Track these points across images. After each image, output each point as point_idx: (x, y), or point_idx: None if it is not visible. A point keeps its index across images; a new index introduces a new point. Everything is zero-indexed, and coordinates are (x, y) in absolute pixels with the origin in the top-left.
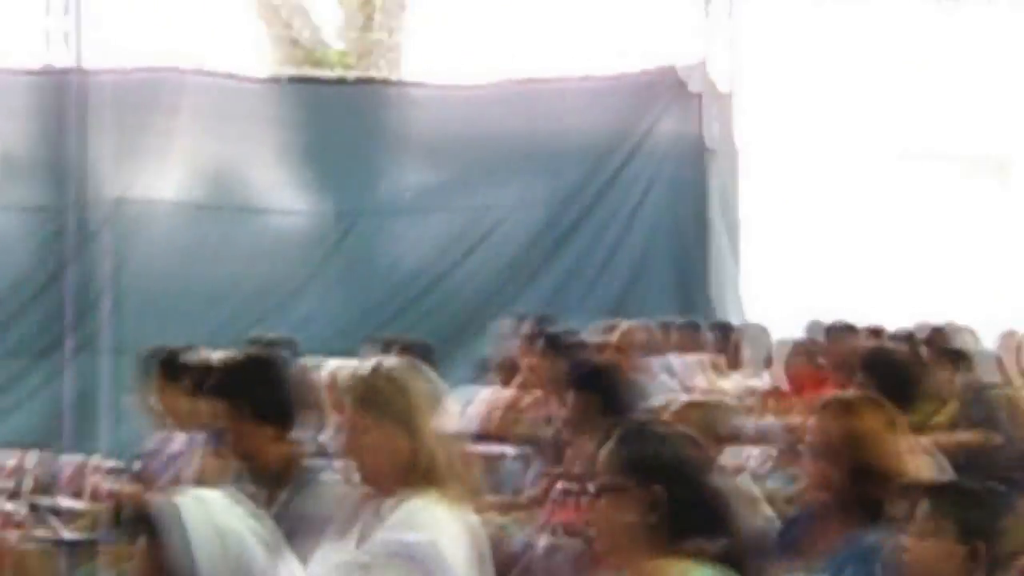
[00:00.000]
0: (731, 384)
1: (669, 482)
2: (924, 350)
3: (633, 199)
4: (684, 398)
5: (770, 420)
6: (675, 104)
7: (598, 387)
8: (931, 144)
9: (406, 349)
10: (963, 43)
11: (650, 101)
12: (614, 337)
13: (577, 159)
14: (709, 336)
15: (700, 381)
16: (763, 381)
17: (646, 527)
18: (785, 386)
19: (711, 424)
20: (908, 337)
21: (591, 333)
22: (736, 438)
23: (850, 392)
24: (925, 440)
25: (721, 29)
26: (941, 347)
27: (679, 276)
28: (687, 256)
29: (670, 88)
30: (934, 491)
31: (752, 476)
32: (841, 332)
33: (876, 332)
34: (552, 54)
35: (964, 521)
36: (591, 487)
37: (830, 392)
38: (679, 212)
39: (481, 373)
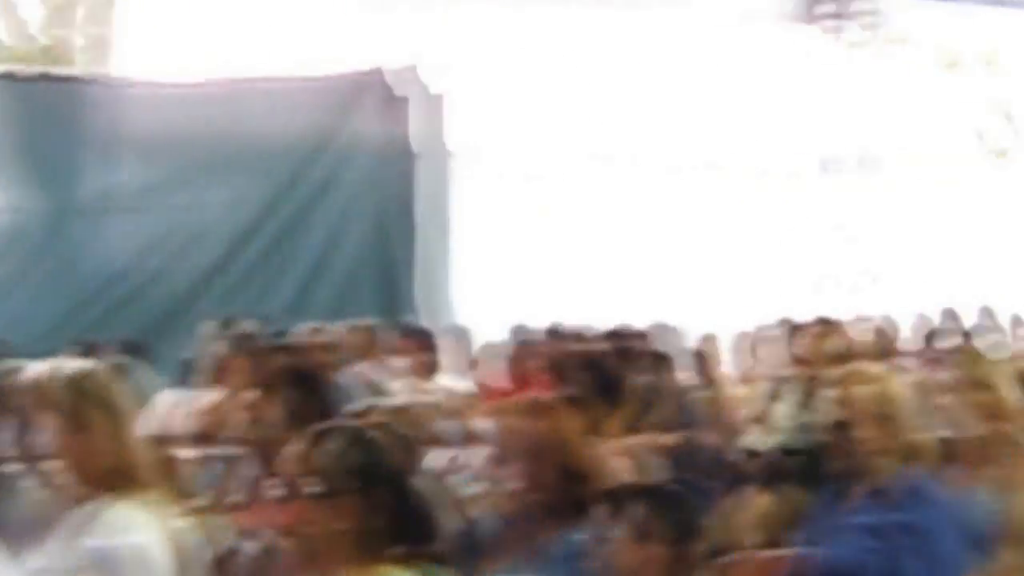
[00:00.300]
0: (436, 387)
1: (382, 487)
2: (629, 352)
3: (340, 201)
4: (390, 401)
5: (476, 422)
6: (382, 107)
7: (305, 389)
8: (641, 147)
9: (116, 349)
10: (672, 48)
11: (357, 103)
12: (320, 339)
13: (285, 160)
14: (415, 338)
15: (406, 384)
16: (467, 384)
17: (359, 533)
18: (491, 388)
19: (418, 427)
20: (613, 339)
21: (299, 335)
22: (442, 441)
23: (547, 394)
24: (630, 441)
25: (433, 31)
26: (645, 349)
27: (385, 278)
28: (394, 259)
29: (377, 91)
30: (642, 494)
31: (457, 478)
32: (550, 335)
33: (582, 335)
34: (263, 53)
35: (671, 523)
36: (305, 491)
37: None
38: (385, 215)
39: (187, 374)
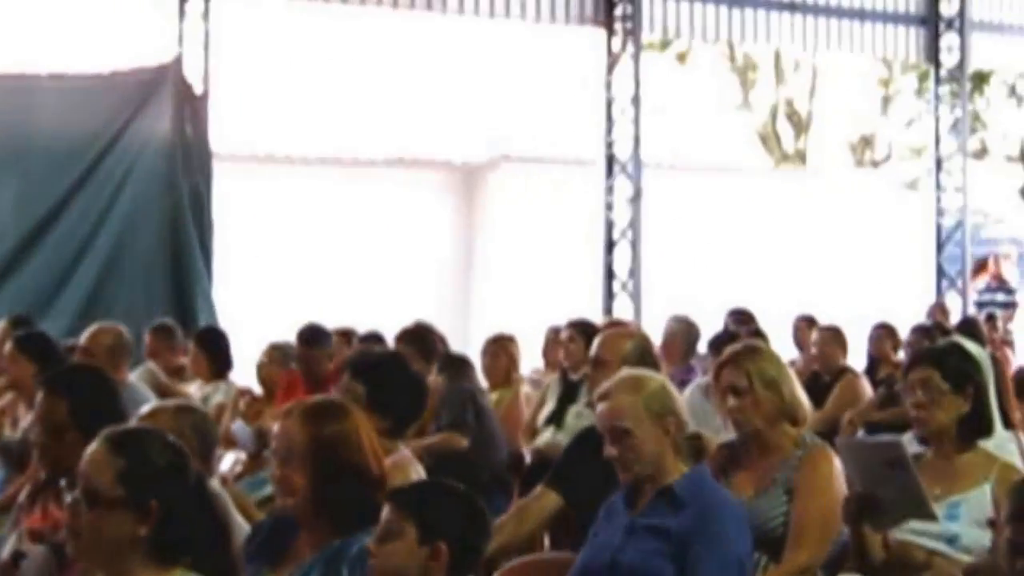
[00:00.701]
0: (194, 388)
1: (162, 494)
2: (430, 352)
3: (106, 199)
4: (181, 403)
5: (238, 424)
6: (150, 103)
7: (69, 390)
8: (402, 149)
9: None
10: (430, 53)
11: (124, 100)
12: (109, 339)
13: (48, 157)
14: (181, 340)
15: (197, 385)
16: (228, 386)
17: (135, 540)
18: (257, 391)
19: (209, 429)
20: (413, 340)
21: (87, 335)
22: (234, 443)
23: (319, 397)
24: (424, 442)
25: (196, 29)
26: (443, 350)
27: (178, 277)
28: (188, 257)
29: (144, 87)
30: (394, 494)
31: (250, 480)
32: (314, 335)
33: (347, 334)
34: (29, 50)
35: (423, 521)
36: (94, 494)
37: (301, 396)
38: (156, 213)
39: None
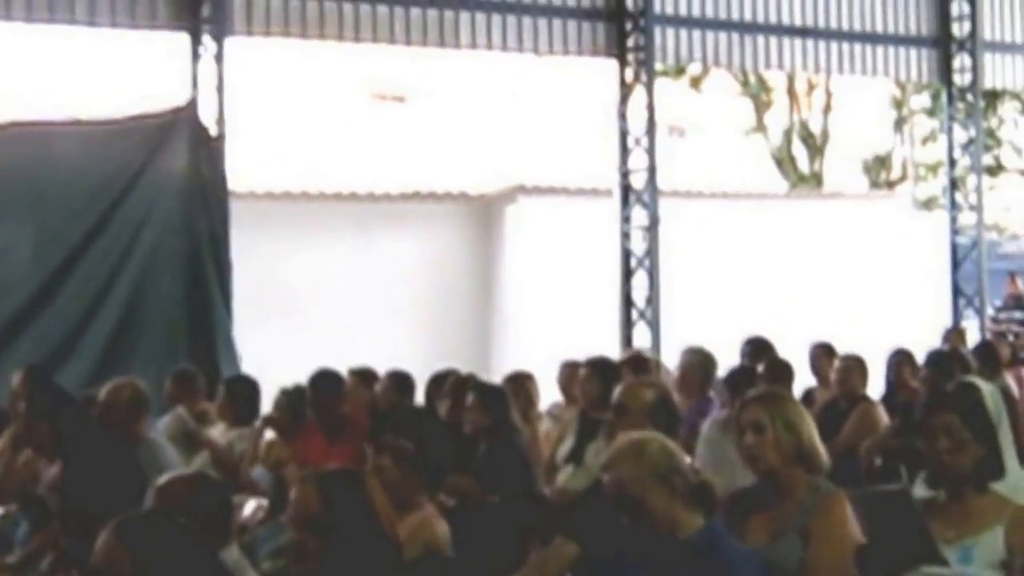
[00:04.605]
0: (218, 433)
1: (176, 571)
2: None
3: (124, 244)
4: (186, 475)
5: (259, 472)
6: (166, 147)
7: (83, 450)
8: (417, 183)
9: None
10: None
11: (140, 144)
12: (102, 395)
13: (65, 204)
14: (202, 385)
15: (221, 430)
16: (251, 431)
17: None
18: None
19: (219, 498)
20: (408, 378)
21: (106, 389)
22: (255, 489)
23: (335, 467)
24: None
25: (210, 71)
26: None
27: (200, 322)
28: (184, 302)
29: (160, 131)
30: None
31: (272, 526)
32: (325, 381)
33: (364, 374)
34: (43, 96)
35: None
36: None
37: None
38: (174, 256)
39: None
